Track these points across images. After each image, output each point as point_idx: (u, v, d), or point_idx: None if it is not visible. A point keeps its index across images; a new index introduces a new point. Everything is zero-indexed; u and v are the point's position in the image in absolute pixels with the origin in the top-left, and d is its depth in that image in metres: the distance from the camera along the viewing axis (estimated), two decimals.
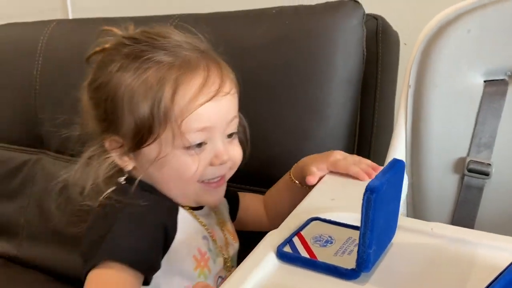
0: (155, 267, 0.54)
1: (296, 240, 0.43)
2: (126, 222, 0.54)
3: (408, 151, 0.65)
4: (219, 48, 0.62)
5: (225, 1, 1.06)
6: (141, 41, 0.57)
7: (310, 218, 0.46)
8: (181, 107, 0.54)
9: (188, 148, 0.55)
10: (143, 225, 0.54)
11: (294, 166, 0.67)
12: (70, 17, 1.43)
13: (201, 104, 0.54)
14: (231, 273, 0.42)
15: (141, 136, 0.55)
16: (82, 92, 0.62)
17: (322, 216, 0.47)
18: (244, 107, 0.79)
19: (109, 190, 0.59)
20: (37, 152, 1.08)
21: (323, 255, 0.41)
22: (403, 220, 0.46)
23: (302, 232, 0.44)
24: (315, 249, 0.42)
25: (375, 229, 0.36)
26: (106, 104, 0.57)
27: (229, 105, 0.58)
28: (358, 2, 0.76)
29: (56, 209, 0.90)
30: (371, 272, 0.39)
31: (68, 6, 1.41)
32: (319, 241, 0.43)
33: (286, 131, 0.76)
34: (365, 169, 0.57)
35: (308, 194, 0.54)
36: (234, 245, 0.67)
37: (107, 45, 0.60)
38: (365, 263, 0.37)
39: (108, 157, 0.59)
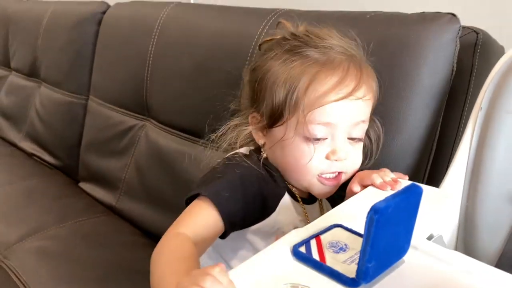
0: (235, 226, 0.60)
1: (313, 242, 0.46)
2: (235, 180, 0.61)
3: (468, 174, 0.63)
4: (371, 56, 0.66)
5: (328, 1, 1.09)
6: (299, 38, 0.63)
7: (333, 224, 0.49)
8: (310, 100, 0.59)
9: (308, 138, 0.60)
10: (246, 190, 0.60)
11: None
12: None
13: (329, 102, 0.59)
14: None
15: (274, 117, 0.62)
16: (245, 73, 0.71)
17: (350, 224, 0.50)
18: None
19: (240, 150, 0.68)
20: (143, 119, 1.21)
21: (333, 261, 0.43)
22: (424, 243, 0.47)
23: (322, 236, 0.47)
24: (328, 254, 0.44)
25: (375, 246, 0.38)
26: (256, 84, 0.65)
27: (358, 109, 0.61)
28: (455, 16, 0.73)
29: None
30: (373, 284, 0.41)
31: None
32: (334, 247, 0.46)
33: None
34: (389, 181, 0.59)
35: (346, 201, 0.57)
36: None
37: (274, 37, 0.67)
38: (363, 275, 0.39)
39: (247, 128, 0.68)
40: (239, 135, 0.69)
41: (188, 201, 0.60)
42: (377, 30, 0.76)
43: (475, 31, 0.75)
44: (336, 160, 0.61)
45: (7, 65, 1.92)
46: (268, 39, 0.69)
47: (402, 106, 0.73)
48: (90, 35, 1.43)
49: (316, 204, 0.71)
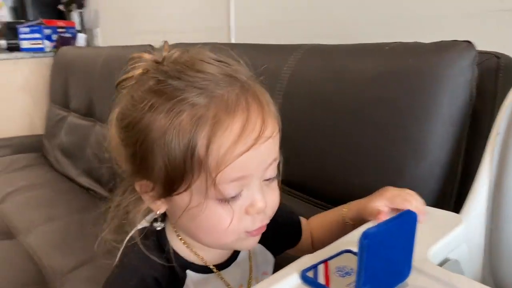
0: None
1: (321, 267, 0.49)
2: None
3: (490, 198, 0.64)
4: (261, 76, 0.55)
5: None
6: (172, 76, 0.50)
7: (343, 250, 0.52)
8: (216, 159, 0.48)
9: (222, 200, 0.51)
10: None
11: (347, 207, 0.66)
12: (233, 37, 1.62)
13: (239, 155, 0.48)
14: None
15: (172, 183, 0.51)
16: (110, 124, 0.56)
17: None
18: (343, 135, 0.85)
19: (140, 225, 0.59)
20: None
21: (337, 284, 0.46)
22: (430, 267, 0.48)
23: (330, 261, 0.50)
24: (333, 278, 0.47)
25: (369, 270, 0.41)
26: (136, 147, 0.52)
27: (270, 149, 0.52)
28: (471, 43, 0.74)
29: None
30: None
31: (231, 25, 1.62)
32: (340, 271, 0.48)
33: (381, 164, 0.78)
34: (418, 208, 0.57)
35: (359, 227, 0.59)
36: None
37: (136, 72, 0.54)
38: None
39: (141, 205, 0.56)
40: (134, 217, 0.57)
41: None
42: (395, 61, 0.78)
43: (496, 56, 0.76)
44: (256, 213, 0.53)
45: (66, 107, 2.09)
46: (128, 76, 0.55)
47: (422, 133, 0.74)
48: None
49: (241, 260, 0.63)
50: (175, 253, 0.58)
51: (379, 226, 0.41)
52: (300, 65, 0.96)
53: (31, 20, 2.54)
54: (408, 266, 0.45)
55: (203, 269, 0.59)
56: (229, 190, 0.50)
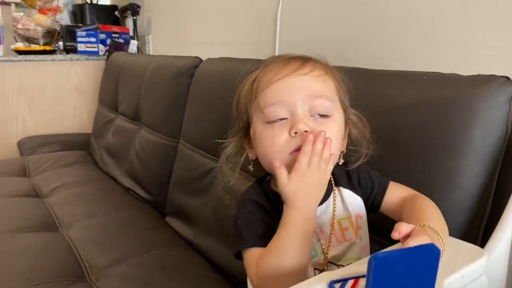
0: None
1: (350, 282, 0.51)
2: (245, 219, 0.69)
3: None
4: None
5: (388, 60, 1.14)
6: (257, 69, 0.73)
7: None
8: (259, 87, 0.68)
9: (268, 122, 0.66)
10: (262, 217, 0.68)
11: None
12: (277, 51, 1.67)
13: (274, 81, 0.66)
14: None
15: (244, 122, 0.72)
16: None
17: None
18: (375, 159, 0.87)
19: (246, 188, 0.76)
20: None
21: None
22: None
23: (361, 279, 0.52)
24: None
25: None
26: (235, 110, 0.77)
27: (305, 83, 0.66)
28: (509, 79, 0.75)
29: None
30: None
31: (276, 40, 1.66)
32: None
33: None
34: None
35: None
36: (347, 243, 0.70)
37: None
38: None
39: (243, 150, 0.76)
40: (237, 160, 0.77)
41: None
42: (431, 91, 0.80)
43: None
44: (296, 133, 0.64)
45: (115, 109, 2.19)
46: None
47: (453, 165, 0.75)
48: (184, 86, 1.61)
49: (326, 204, 0.72)
50: (273, 190, 0.71)
51: (392, 251, 0.43)
52: None
53: (89, 25, 2.68)
54: None
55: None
56: (271, 112, 0.66)
